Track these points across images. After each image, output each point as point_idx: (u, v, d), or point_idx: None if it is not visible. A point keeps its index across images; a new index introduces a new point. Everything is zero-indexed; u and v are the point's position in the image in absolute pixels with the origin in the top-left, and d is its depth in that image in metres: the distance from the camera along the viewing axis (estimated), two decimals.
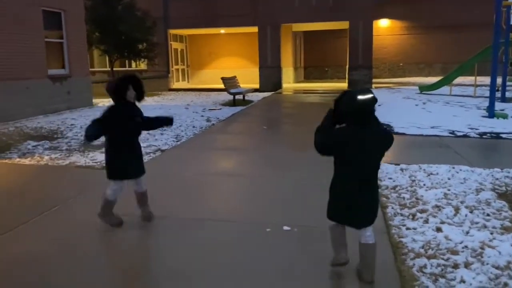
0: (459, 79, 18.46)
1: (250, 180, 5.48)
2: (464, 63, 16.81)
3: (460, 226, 3.75)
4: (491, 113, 10.18)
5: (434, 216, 3.95)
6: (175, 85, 22.36)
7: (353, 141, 2.73)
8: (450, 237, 3.49)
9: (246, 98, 15.70)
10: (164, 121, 4.02)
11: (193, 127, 9.57)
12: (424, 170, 5.50)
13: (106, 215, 3.84)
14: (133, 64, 22.07)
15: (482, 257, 3.18)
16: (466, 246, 3.34)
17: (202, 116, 11.45)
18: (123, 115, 3.70)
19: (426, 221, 3.85)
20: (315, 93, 18.48)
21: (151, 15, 18.04)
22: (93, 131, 3.58)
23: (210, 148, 7.54)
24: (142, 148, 4.02)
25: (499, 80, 11.88)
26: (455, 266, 3.06)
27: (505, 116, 10.03)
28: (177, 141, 7.90)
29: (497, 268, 3.02)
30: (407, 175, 5.29)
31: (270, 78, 20.46)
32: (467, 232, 3.61)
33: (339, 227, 2.97)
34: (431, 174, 5.32)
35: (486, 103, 11.43)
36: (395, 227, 3.76)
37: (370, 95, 2.68)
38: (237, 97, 14.84)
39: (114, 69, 18.14)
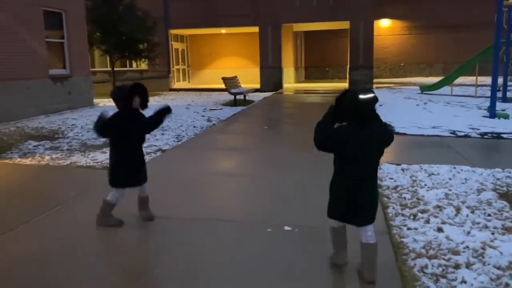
0: (460, 79, 18.45)
1: (251, 180, 5.48)
2: (465, 63, 16.80)
3: (461, 226, 3.74)
4: (492, 113, 10.17)
5: (435, 216, 3.95)
6: (176, 85, 22.38)
7: (353, 139, 2.73)
8: (451, 238, 3.49)
9: (247, 98, 15.71)
10: (164, 111, 4.03)
11: (194, 127, 9.57)
12: (425, 170, 5.49)
13: (105, 216, 3.85)
14: (134, 64, 22.06)
15: (483, 257, 3.17)
16: (467, 247, 3.33)
17: (203, 116, 11.45)
18: (129, 122, 3.74)
19: (427, 221, 3.84)
20: (316, 93, 18.48)
21: (151, 15, 18.02)
22: (100, 127, 3.66)
23: (211, 148, 7.54)
24: (143, 149, 4.04)
25: (500, 80, 11.86)
26: (456, 266, 3.05)
27: (506, 116, 10.01)
28: (178, 141, 7.90)
29: (498, 268, 3.02)
30: (408, 175, 5.28)
31: (271, 78, 20.46)
32: (468, 233, 3.60)
33: (339, 227, 2.98)
34: (432, 174, 5.32)
35: (487, 103, 11.42)
36: (396, 227, 3.75)
37: (371, 95, 2.70)
38: (238, 97, 14.84)
39: (115, 69, 18.14)
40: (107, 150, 7.04)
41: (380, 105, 11.54)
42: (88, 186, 5.15)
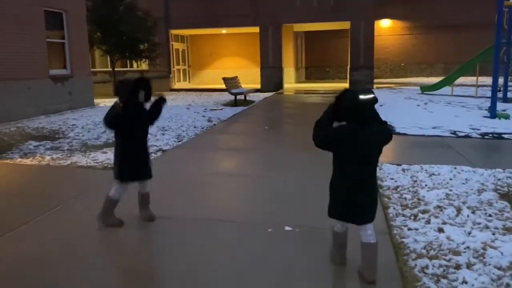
0: (461, 80, 18.44)
1: (252, 180, 5.48)
2: (465, 63, 16.78)
3: (462, 226, 3.73)
4: (492, 113, 10.16)
5: (436, 217, 3.94)
6: (177, 85, 22.38)
7: (353, 139, 2.75)
8: (452, 238, 3.48)
9: (247, 98, 15.70)
10: (159, 103, 4.03)
11: (195, 127, 9.57)
12: (425, 170, 5.49)
13: (106, 214, 3.84)
14: (135, 65, 22.08)
15: (484, 257, 3.16)
16: (468, 247, 3.33)
17: (203, 116, 11.45)
18: (134, 116, 3.76)
19: (428, 222, 3.84)
20: (316, 94, 18.48)
21: (152, 15, 18.05)
22: (111, 119, 3.67)
23: (212, 148, 7.54)
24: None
25: (500, 81, 11.85)
26: (457, 266, 3.04)
27: (506, 117, 10.01)
28: (178, 141, 7.90)
29: (499, 268, 3.01)
30: (408, 176, 5.27)
31: (272, 78, 20.46)
32: (469, 233, 3.59)
33: (342, 232, 2.99)
34: (433, 174, 5.31)
35: (487, 104, 11.41)
36: (396, 227, 3.75)
37: (371, 95, 2.72)
38: (238, 97, 14.83)
39: (116, 69, 18.17)
40: (108, 150, 7.08)
41: (381, 105, 11.58)
42: (89, 186, 5.15)
